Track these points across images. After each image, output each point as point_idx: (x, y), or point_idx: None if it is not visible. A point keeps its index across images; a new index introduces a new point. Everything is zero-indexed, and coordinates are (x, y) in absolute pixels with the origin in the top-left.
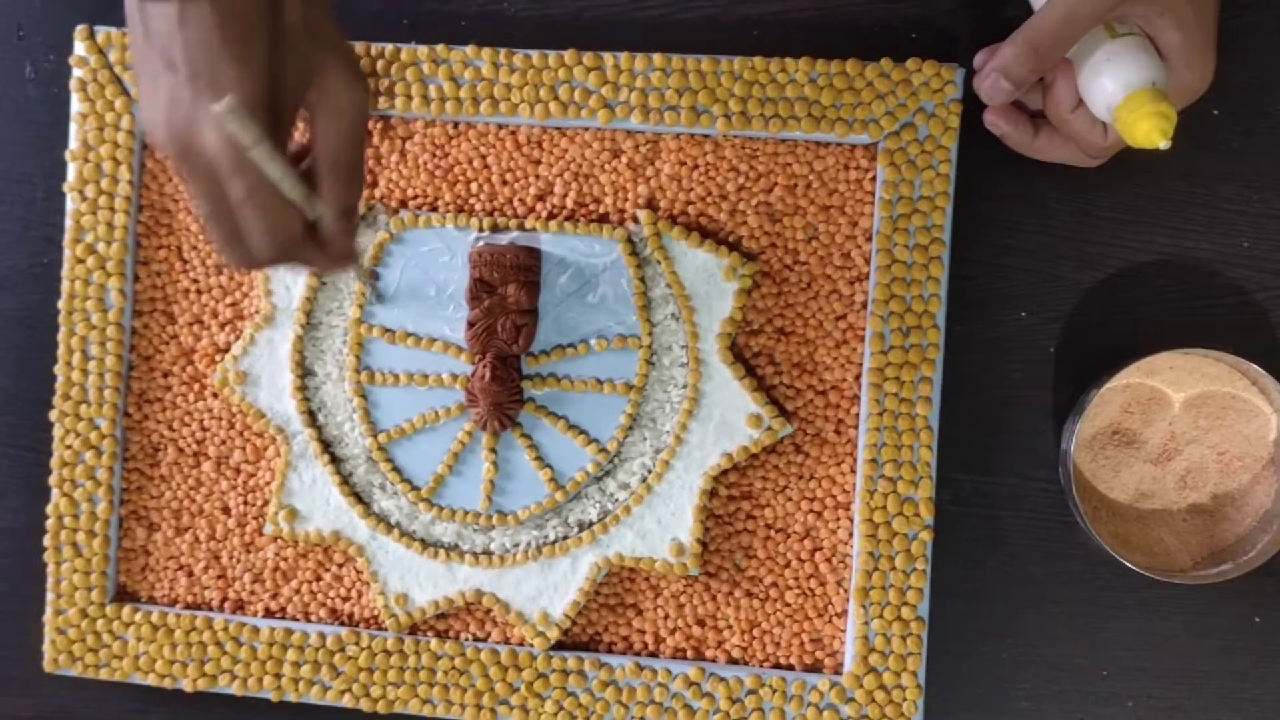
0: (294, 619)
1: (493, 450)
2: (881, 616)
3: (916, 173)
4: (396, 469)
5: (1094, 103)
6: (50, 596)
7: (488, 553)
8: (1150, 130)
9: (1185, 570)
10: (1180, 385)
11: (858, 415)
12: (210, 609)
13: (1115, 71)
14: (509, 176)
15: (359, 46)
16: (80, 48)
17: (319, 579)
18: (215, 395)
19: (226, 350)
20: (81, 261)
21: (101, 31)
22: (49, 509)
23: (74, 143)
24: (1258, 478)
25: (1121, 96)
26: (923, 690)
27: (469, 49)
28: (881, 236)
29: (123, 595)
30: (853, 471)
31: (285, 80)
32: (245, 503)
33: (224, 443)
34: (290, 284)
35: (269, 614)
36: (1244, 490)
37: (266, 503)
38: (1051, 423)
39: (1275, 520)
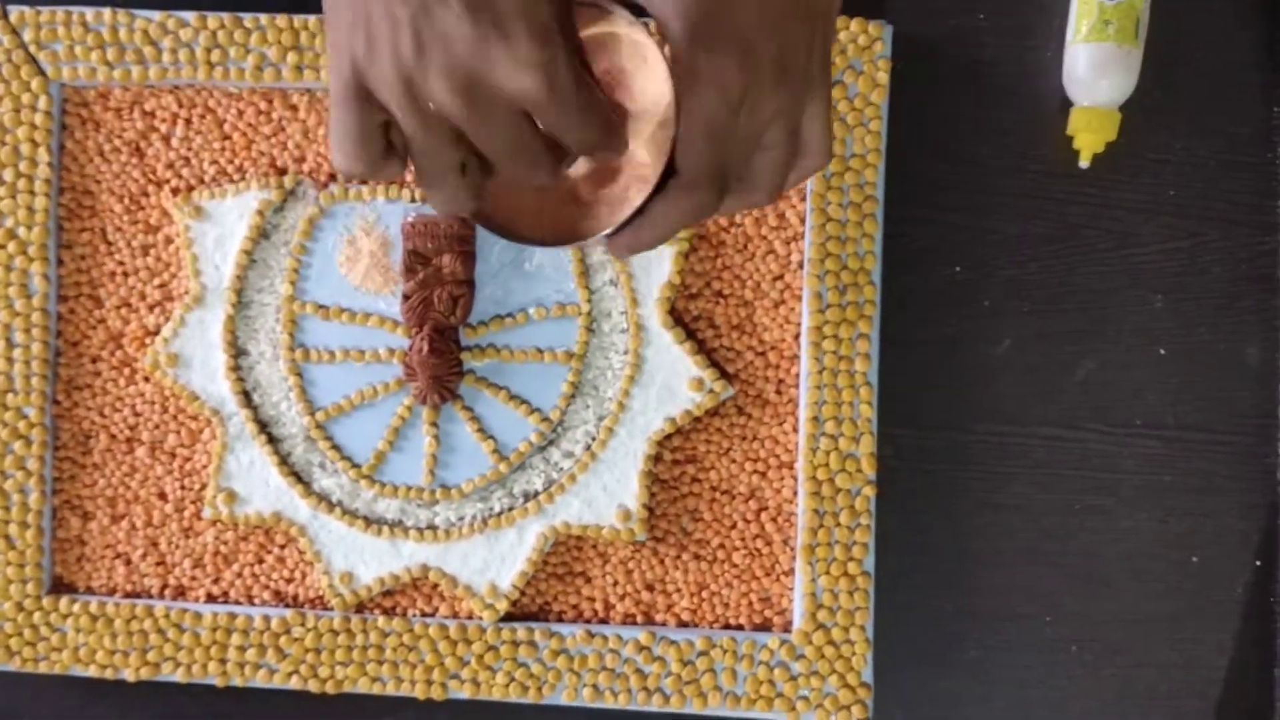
0: (237, 603)
1: (433, 424)
2: (828, 573)
3: (848, 130)
4: (336, 447)
5: (1068, 79)
6: None
7: (432, 527)
8: (1085, 145)
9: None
10: None
11: (798, 374)
12: (150, 597)
13: (1094, 74)
14: None
15: (280, 20)
16: None
17: (261, 561)
18: (146, 379)
19: (156, 333)
20: (2, 247)
21: (15, 11)
22: None
23: None
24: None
25: (1086, 101)
26: (871, 644)
27: None
28: (815, 195)
29: (59, 586)
30: (795, 430)
31: None
32: (182, 487)
33: (157, 427)
34: (219, 263)
35: (211, 599)
36: None
37: (204, 486)
38: (990, 376)
39: None
